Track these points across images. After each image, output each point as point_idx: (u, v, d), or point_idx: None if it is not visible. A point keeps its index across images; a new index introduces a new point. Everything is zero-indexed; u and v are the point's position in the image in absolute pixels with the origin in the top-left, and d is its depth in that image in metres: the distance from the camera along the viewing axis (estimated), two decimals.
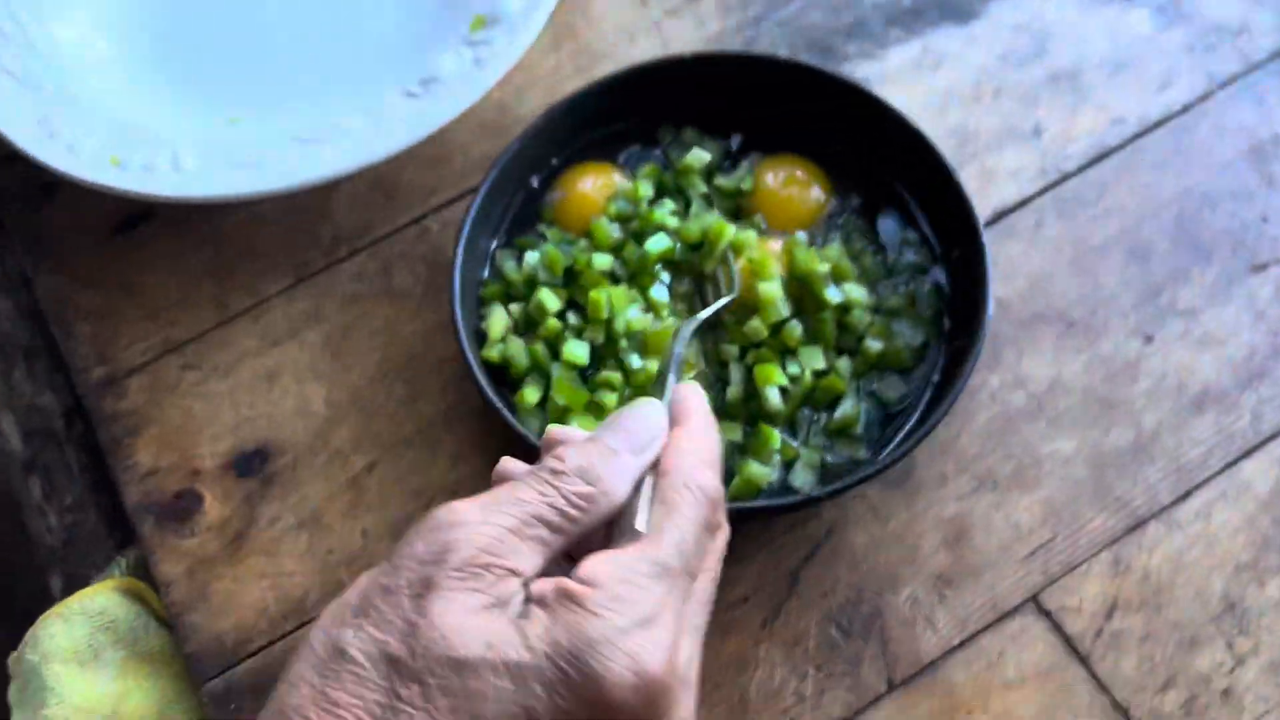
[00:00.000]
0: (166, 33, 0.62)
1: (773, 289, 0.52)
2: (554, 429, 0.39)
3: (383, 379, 0.56)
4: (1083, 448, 0.53)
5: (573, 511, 0.34)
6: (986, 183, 0.59)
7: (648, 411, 0.37)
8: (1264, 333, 0.55)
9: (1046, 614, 0.50)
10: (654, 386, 0.41)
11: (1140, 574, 0.50)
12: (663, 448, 0.37)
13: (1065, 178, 0.59)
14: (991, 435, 0.53)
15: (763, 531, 0.51)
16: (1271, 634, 0.49)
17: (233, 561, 0.53)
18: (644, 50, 0.63)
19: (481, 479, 0.52)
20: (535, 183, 0.58)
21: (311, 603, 0.52)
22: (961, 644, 0.49)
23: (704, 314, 0.50)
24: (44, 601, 0.58)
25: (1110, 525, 0.51)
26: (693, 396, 0.39)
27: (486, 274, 0.56)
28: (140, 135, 0.57)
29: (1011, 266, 0.57)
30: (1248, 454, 0.52)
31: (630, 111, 0.58)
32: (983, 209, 0.58)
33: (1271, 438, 0.52)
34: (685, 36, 0.63)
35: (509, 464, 0.39)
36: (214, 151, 0.57)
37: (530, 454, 0.40)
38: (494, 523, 0.33)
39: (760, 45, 0.63)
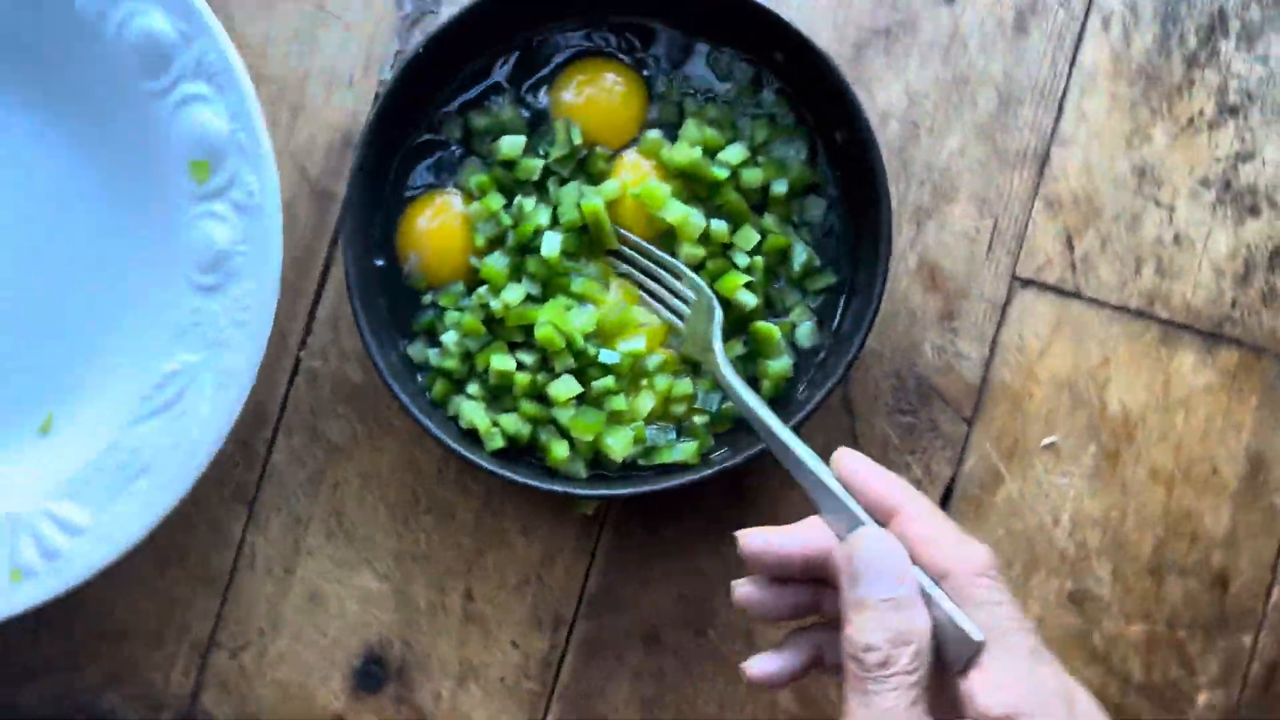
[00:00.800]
0: None
1: (678, 212, 0.52)
2: (754, 539, 0.41)
3: (406, 522, 0.55)
4: (966, 131, 0.57)
5: (920, 675, 0.36)
6: None
7: (877, 544, 0.38)
8: None
9: (1030, 282, 0.56)
10: (816, 490, 0.41)
11: (1070, 199, 0.57)
12: (916, 544, 0.39)
13: None
14: (898, 174, 0.56)
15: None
16: (1174, 170, 0.57)
17: None
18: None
19: (559, 537, 0.54)
20: (381, 262, 0.53)
21: None
22: (991, 354, 0.56)
23: (716, 337, 0.49)
24: None
25: (1026, 177, 0.57)
26: (873, 478, 0.40)
27: (420, 378, 0.53)
28: None
29: (806, 10, 0.56)
30: (1078, 43, 0.57)
31: (410, 122, 0.53)
32: None
33: (1086, 16, 0.57)
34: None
35: (750, 597, 0.41)
36: (82, 490, 0.50)
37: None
38: None
39: None
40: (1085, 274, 0.56)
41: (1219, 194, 0.56)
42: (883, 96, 0.57)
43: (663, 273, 0.52)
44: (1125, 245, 0.56)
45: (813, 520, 0.42)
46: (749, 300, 0.52)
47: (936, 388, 0.56)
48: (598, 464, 0.53)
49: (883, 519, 0.40)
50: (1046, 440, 0.56)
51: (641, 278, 0.52)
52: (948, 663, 0.38)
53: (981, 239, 0.56)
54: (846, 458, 0.41)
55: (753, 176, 0.53)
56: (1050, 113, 0.57)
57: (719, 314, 0.50)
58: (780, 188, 0.53)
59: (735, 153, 0.53)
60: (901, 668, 0.36)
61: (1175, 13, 0.57)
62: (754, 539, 0.41)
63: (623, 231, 0.52)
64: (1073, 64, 0.57)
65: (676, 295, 0.52)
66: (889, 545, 0.39)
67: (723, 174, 0.52)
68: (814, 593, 0.42)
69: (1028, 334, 0.56)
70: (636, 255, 0.52)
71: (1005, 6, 0.57)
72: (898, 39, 0.57)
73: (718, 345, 0.49)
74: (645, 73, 0.54)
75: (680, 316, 0.52)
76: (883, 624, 0.37)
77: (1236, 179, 0.56)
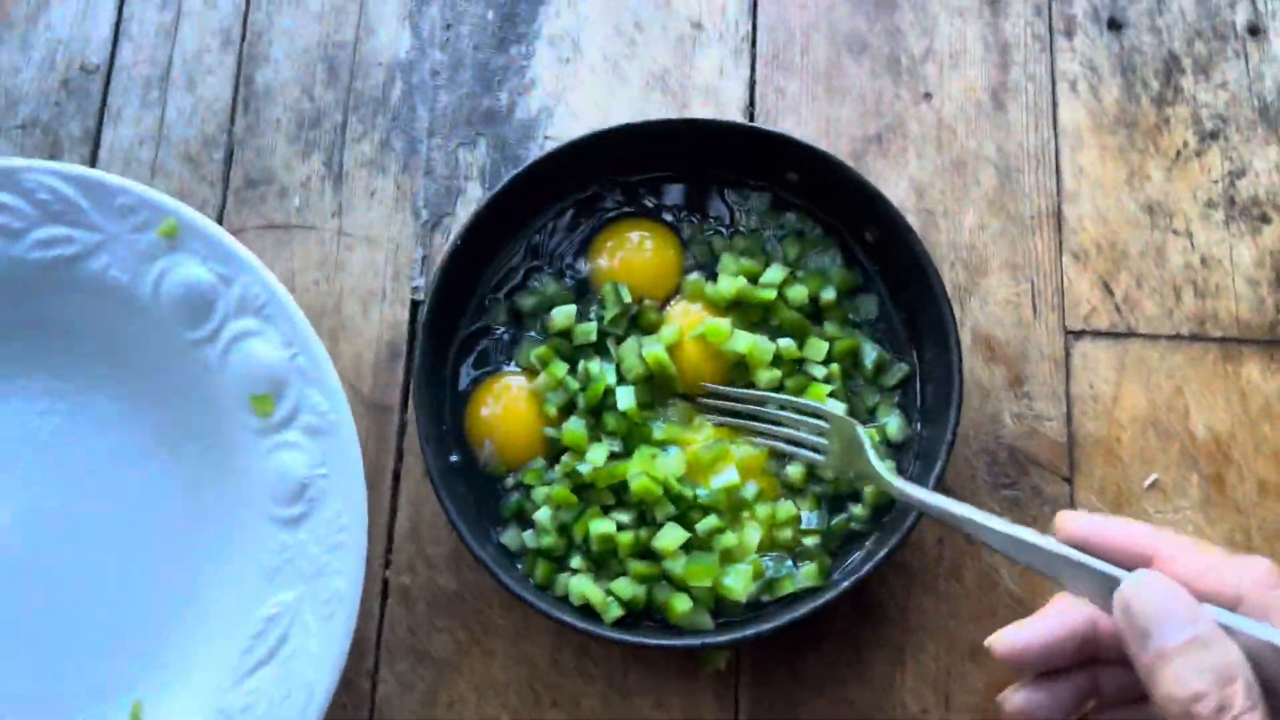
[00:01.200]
0: None
1: (745, 340, 0.52)
2: (1009, 638, 0.38)
3: (537, 703, 0.51)
4: (978, 208, 0.58)
5: (1261, 709, 0.33)
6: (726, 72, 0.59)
7: (1152, 589, 0.35)
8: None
9: (1082, 333, 0.57)
10: (1053, 566, 0.37)
11: (1094, 248, 0.58)
12: (1190, 580, 0.35)
13: (750, 41, 0.61)
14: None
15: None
16: (1179, 199, 0.59)
17: None
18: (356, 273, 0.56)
19: (696, 700, 0.51)
20: (455, 458, 0.52)
21: None
22: (1068, 409, 0.56)
23: (873, 457, 0.47)
24: None
25: (1047, 236, 0.58)
26: (1110, 531, 0.37)
27: (519, 566, 0.51)
28: None
29: (797, 133, 0.59)
30: (1054, 108, 0.60)
31: (456, 319, 0.53)
32: (731, 102, 0.59)
33: (1053, 83, 0.60)
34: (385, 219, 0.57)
35: (1025, 703, 0.38)
36: None
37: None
38: None
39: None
40: (1131, 312, 0.57)
41: (1227, 212, 0.58)
42: (892, 194, 0.58)
43: (764, 410, 0.51)
44: (1159, 278, 0.58)
45: (1061, 598, 0.39)
46: (838, 408, 0.51)
47: (1028, 454, 0.55)
48: (721, 612, 0.50)
49: (1138, 567, 0.36)
50: (1148, 480, 0.55)
51: (741, 421, 0.52)
52: (1277, 689, 0.34)
53: (1024, 302, 0.57)
54: (1071, 520, 0.38)
55: (799, 292, 0.53)
56: (1050, 175, 0.59)
57: (864, 434, 0.49)
58: (829, 294, 0.53)
59: (775, 273, 0.53)
60: (1241, 707, 0.32)
61: (1130, 63, 0.61)
62: (1008, 639, 0.38)
63: (710, 385, 0.52)
64: (1055, 127, 0.60)
65: (782, 424, 0.51)
66: (1164, 585, 0.35)
67: (770, 295, 0.53)
68: (1089, 676, 0.39)
69: (1097, 382, 0.56)
70: (726, 402, 0.52)
71: (978, 90, 0.60)
72: (891, 141, 0.59)
73: (878, 464, 0.47)
74: (668, 219, 0.55)
75: (800, 445, 0.51)
76: (1198, 667, 0.33)
77: (1238, 194, 0.59)
